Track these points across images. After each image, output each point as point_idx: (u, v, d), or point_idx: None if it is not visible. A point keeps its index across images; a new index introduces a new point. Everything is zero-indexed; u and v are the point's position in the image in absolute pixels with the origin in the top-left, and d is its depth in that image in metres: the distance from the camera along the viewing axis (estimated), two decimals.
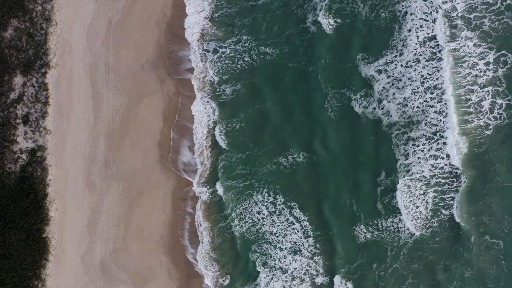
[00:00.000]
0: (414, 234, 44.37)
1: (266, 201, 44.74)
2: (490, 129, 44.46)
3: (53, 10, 42.84)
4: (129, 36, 44.35)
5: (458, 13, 44.66)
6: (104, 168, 43.84)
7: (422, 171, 44.38)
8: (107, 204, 43.83)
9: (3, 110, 41.80)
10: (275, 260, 44.75)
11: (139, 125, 44.23)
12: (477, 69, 44.58)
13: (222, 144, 44.91)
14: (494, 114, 44.59)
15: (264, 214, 44.79)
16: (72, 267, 43.39)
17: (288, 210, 44.78)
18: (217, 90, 45.23)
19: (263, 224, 44.82)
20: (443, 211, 44.38)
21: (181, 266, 44.59)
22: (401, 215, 44.42)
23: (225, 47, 45.30)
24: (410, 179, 44.39)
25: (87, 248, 43.62)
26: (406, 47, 44.68)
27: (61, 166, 43.20)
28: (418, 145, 44.43)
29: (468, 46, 44.53)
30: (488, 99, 44.54)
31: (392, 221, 44.69)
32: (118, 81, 44.09)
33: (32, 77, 42.42)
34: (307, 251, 44.74)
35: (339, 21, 44.92)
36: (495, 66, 44.52)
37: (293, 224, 44.77)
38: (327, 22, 44.94)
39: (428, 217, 44.44)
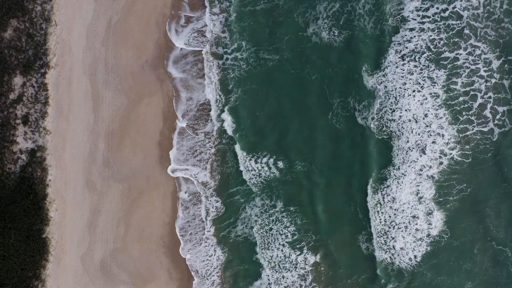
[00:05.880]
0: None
1: (267, 205, 44.82)
2: (496, 135, 44.31)
3: (53, 10, 42.77)
4: (128, 36, 44.29)
5: (462, 21, 44.65)
6: (104, 168, 43.81)
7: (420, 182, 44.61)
8: (107, 205, 43.81)
9: (3, 111, 41.74)
10: (278, 264, 44.75)
11: (139, 125, 44.19)
12: (478, 75, 44.56)
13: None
14: (496, 122, 44.50)
15: (266, 218, 44.86)
16: (72, 267, 43.39)
17: (288, 213, 44.79)
18: (221, 98, 45.25)
19: (265, 228, 44.87)
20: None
21: (181, 266, 44.60)
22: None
23: (228, 54, 45.25)
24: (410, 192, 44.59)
25: (87, 248, 43.61)
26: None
27: (61, 167, 43.16)
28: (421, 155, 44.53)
29: (473, 53, 44.58)
30: (490, 105, 44.50)
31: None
32: (118, 81, 44.05)
33: (31, 78, 42.36)
34: (309, 259, 44.79)
35: (343, 32, 44.87)
36: (498, 75, 44.49)
37: (294, 228, 44.84)
38: (332, 33, 44.93)
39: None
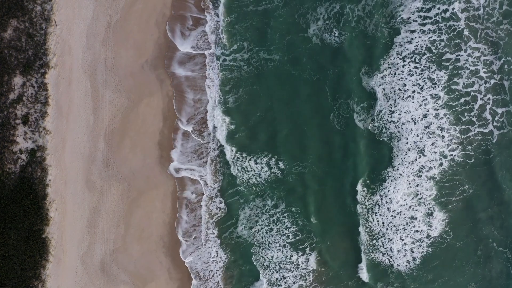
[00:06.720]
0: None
1: (268, 206, 44.86)
2: (495, 136, 44.32)
3: (53, 10, 42.68)
4: (128, 36, 44.22)
5: (461, 23, 44.60)
6: (104, 168, 43.79)
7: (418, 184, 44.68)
8: (107, 204, 43.81)
9: (3, 111, 41.68)
10: (276, 264, 44.81)
11: (138, 125, 44.16)
12: (478, 76, 44.50)
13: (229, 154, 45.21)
14: (495, 123, 44.46)
15: (268, 219, 44.90)
16: (72, 267, 43.42)
17: (289, 214, 44.81)
18: (221, 99, 45.21)
19: (266, 229, 44.90)
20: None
21: (182, 266, 44.65)
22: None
23: (227, 55, 45.19)
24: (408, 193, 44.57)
25: (87, 248, 43.64)
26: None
27: (60, 167, 43.13)
28: (420, 156, 44.50)
29: (472, 55, 44.56)
30: (490, 106, 44.50)
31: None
32: (118, 81, 43.99)
33: (31, 78, 42.29)
34: (310, 259, 44.85)
35: (344, 33, 44.80)
36: (498, 76, 44.46)
37: (294, 229, 44.86)
38: (333, 34, 44.86)
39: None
